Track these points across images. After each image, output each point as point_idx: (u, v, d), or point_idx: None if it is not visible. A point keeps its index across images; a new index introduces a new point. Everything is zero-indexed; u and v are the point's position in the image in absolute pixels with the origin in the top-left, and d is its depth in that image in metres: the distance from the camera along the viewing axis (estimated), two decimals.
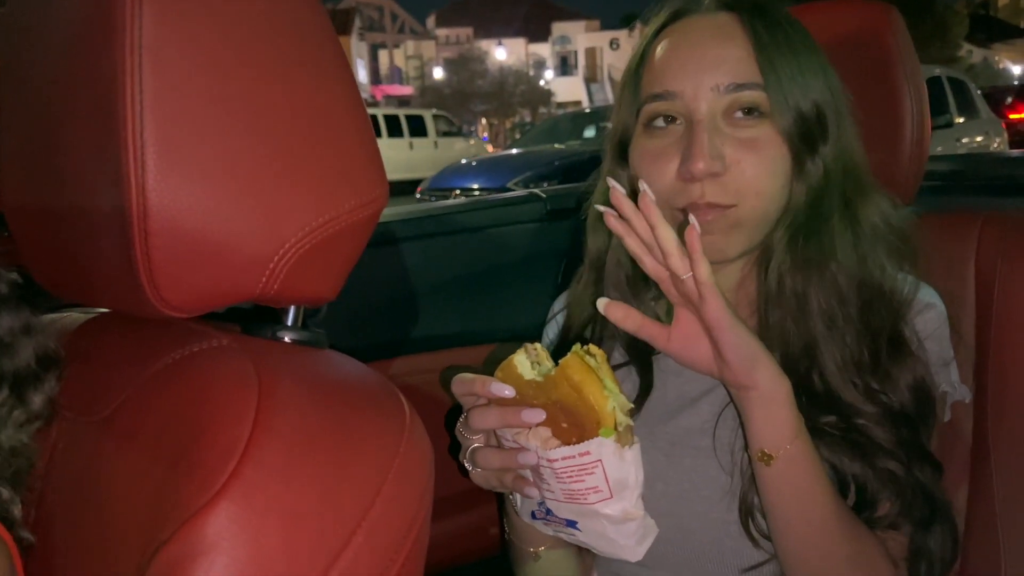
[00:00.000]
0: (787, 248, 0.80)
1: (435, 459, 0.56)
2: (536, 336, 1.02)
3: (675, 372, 0.88)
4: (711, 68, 0.79)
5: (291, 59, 0.54)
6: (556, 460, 0.68)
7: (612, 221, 0.71)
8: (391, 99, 40.82)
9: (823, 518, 0.74)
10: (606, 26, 51.57)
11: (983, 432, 0.94)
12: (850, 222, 0.81)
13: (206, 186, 0.50)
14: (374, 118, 15.75)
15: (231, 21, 0.52)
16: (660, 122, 0.81)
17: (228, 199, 0.51)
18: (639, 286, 0.87)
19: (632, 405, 0.69)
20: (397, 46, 49.60)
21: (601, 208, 0.72)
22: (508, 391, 0.69)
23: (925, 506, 0.78)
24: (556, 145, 8.41)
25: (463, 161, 8.86)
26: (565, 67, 49.89)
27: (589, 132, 8.78)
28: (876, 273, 0.81)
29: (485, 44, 44.83)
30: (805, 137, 0.79)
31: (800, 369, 0.78)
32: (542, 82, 43.27)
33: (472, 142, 17.85)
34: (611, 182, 0.70)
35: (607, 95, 41.53)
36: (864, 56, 0.98)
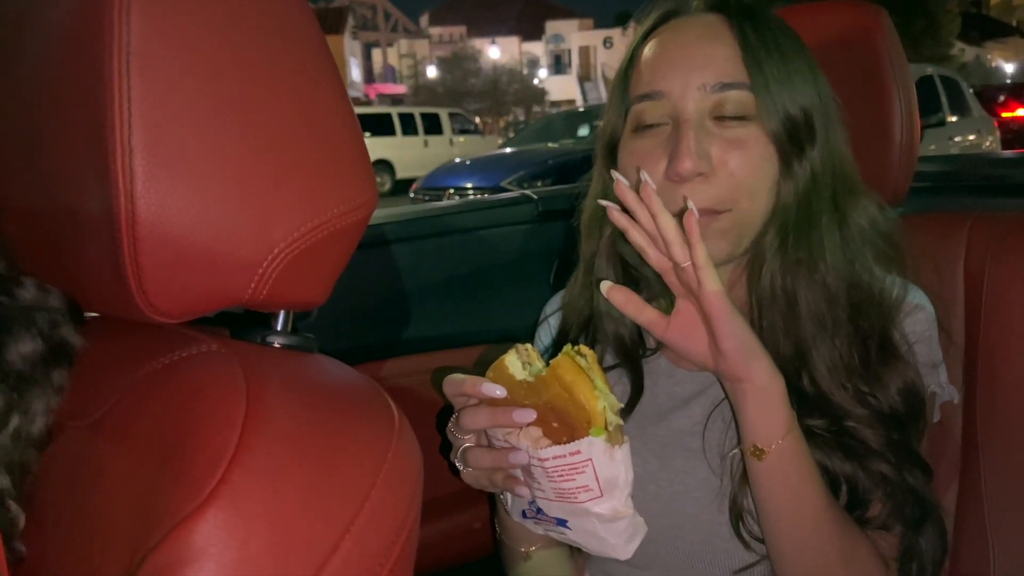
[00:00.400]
0: (778, 250, 0.81)
1: (426, 460, 0.56)
2: (528, 338, 1.02)
3: (666, 374, 0.88)
4: (699, 67, 0.79)
5: (280, 62, 0.54)
6: (547, 459, 0.68)
7: (616, 215, 0.72)
8: (384, 98, 40.71)
9: (814, 515, 0.74)
10: (600, 24, 51.66)
11: (972, 432, 0.94)
12: (839, 225, 0.81)
13: (195, 190, 0.50)
14: (388, 117, 15.56)
15: (220, 24, 0.52)
16: (647, 119, 0.81)
17: (217, 203, 0.51)
18: (630, 286, 0.87)
19: (622, 405, 0.70)
20: (391, 45, 49.58)
21: (604, 203, 0.73)
22: (499, 391, 0.69)
23: (916, 507, 0.78)
24: (550, 144, 8.41)
25: (457, 160, 8.85)
26: (559, 66, 49.90)
27: (583, 131, 8.79)
28: (865, 276, 0.81)
29: (479, 43, 44.75)
30: (792, 138, 0.79)
31: (791, 372, 0.78)
32: (536, 81, 43.22)
33: (487, 140, 17.71)
34: (615, 174, 0.71)
35: (601, 94, 41.53)
36: (853, 58, 0.99)
